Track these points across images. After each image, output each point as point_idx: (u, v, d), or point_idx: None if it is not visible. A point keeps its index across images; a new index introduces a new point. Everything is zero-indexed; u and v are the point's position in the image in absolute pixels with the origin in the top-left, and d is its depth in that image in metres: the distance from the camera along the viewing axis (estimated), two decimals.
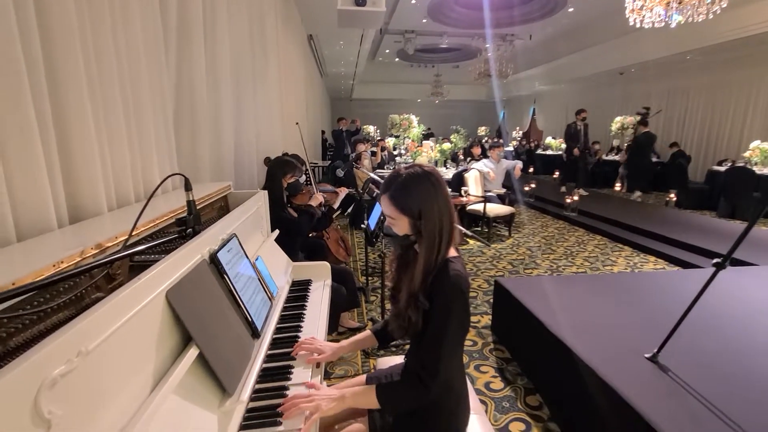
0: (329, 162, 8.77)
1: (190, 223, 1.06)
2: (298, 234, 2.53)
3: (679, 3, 4.93)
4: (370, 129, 13.01)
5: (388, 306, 3.13)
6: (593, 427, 1.72)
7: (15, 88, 0.86)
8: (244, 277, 1.22)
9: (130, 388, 0.68)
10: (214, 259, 1.09)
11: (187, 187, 1.07)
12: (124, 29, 1.28)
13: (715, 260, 1.53)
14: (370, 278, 3.81)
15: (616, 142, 10.78)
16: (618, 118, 9.70)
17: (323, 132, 13.51)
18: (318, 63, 10.58)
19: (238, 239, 1.29)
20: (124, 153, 1.27)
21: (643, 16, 5.31)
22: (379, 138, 9.55)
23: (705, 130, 9.39)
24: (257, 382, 1.05)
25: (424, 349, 1.06)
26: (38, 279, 0.66)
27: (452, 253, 1.12)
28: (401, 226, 1.09)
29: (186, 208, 1.06)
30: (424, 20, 10.48)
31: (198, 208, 1.36)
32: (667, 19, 5.20)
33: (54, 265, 0.72)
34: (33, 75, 0.91)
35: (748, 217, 6.02)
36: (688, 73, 9.56)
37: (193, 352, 0.83)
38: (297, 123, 4.08)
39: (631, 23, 5.50)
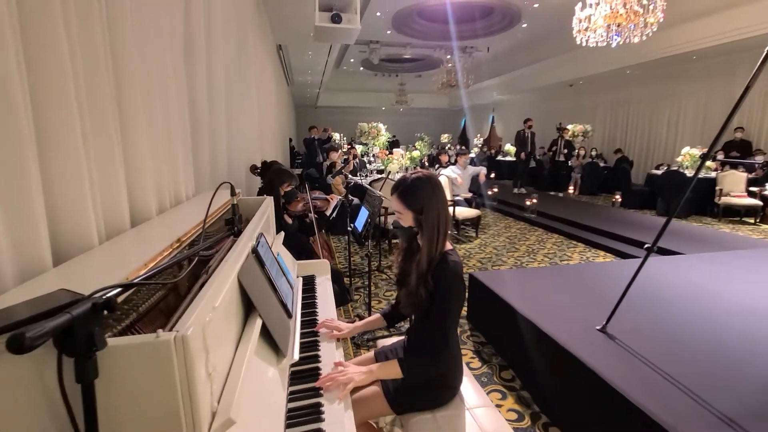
0: (301, 170, 8.90)
1: (236, 223, 1.29)
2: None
3: (618, 26, 5.57)
4: (336, 136, 13.24)
5: (374, 304, 3.39)
6: (557, 389, 2.07)
7: (101, 108, 1.06)
8: (274, 268, 1.45)
9: (227, 341, 0.91)
10: (255, 252, 1.31)
11: (232, 192, 1.30)
12: (161, 63, 1.48)
13: (645, 245, 1.92)
14: (352, 279, 4.04)
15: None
16: (569, 126, 10.53)
17: (291, 140, 13.61)
18: (285, 72, 10.71)
19: (265, 237, 1.51)
20: (162, 165, 1.47)
21: (588, 37, 5.94)
22: (349, 146, 9.78)
23: (645, 137, 10.40)
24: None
25: (434, 324, 1.33)
26: (160, 261, 0.88)
27: (448, 246, 1.40)
28: (406, 219, 1.36)
29: (225, 210, 1.28)
30: (389, 32, 10.89)
31: (226, 211, 1.57)
32: (608, 40, 5.85)
33: (160, 253, 0.93)
34: (113, 102, 1.11)
35: (680, 215, 6.81)
36: (629, 86, 10.56)
37: (259, 321, 1.05)
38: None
39: (578, 42, 6.13)
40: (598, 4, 5.49)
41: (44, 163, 0.86)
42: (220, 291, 0.84)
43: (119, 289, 0.62)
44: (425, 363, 1.34)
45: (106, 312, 0.57)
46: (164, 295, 1.00)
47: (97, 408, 0.56)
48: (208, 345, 0.73)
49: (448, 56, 12.60)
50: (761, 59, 1.48)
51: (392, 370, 1.33)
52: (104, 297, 0.57)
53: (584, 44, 6.09)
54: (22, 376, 0.56)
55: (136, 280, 0.69)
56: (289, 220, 2.75)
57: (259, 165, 3.93)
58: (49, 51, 0.85)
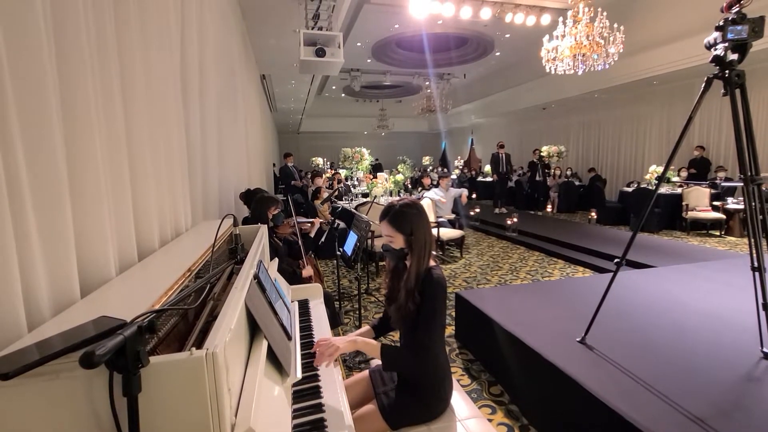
0: (284, 196, 8.98)
1: (239, 252, 1.38)
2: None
3: (583, 56, 5.99)
4: (320, 161, 13.39)
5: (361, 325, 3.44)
6: (543, 399, 2.17)
7: (118, 155, 1.16)
8: (273, 293, 1.53)
9: (238, 361, 0.99)
10: (257, 278, 1.40)
11: (235, 224, 1.40)
12: (164, 110, 1.60)
13: (615, 260, 2.08)
14: (341, 303, 4.10)
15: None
16: (545, 147, 10.99)
17: (274, 165, 13.70)
18: (269, 100, 10.92)
19: (264, 264, 1.60)
20: (164, 199, 1.55)
21: (557, 66, 6.34)
22: (335, 171, 9.94)
23: (615, 156, 10.93)
24: None
25: (419, 330, 1.44)
26: (176, 289, 0.96)
27: (432, 263, 1.53)
28: (397, 241, 1.49)
29: (223, 240, 1.37)
30: (369, 60, 11.29)
31: (222, 241, 1.66)
32: (575, 69, 6.26)
33: (176, 281, 1.02)
34: (124, 139, 1.21)
35: (652, 229, 7.14)
36: (598, 109, 11.16)
37: (265, 343, 1.14)
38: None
39: (548, 71, 6.52)
40: (563, 36, 5.90)
41: (75, 205, 0.95)
42: (234, 314, 0.93)
43: (155, 314, 0.71)
44: (404, 358, 1.46)
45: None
46: (177, 322, 1.08)
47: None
48: (227, 363, 0.82)
49: (427, 83, 13.10)
50: (700, 92, 1.69)
51: (374, 350, 1.44)
52: (146, 320, 0.67)
53: (553, 72, 6.50)
54: (78, 392, 0.64)
55: (166, 306, 0.78)
56: (280, 244, 2.83)
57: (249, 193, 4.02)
58: (82, 115, 0.95)
